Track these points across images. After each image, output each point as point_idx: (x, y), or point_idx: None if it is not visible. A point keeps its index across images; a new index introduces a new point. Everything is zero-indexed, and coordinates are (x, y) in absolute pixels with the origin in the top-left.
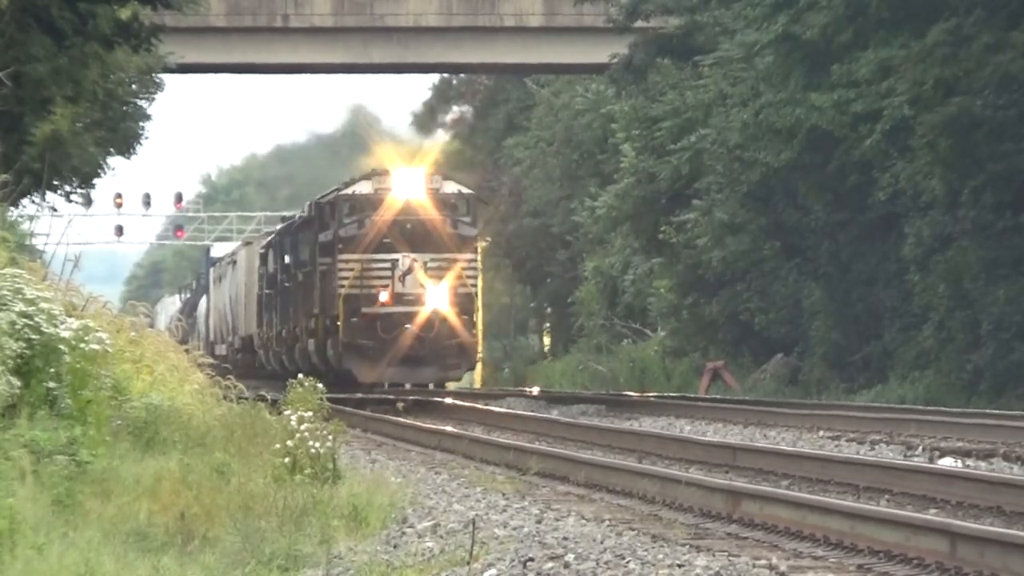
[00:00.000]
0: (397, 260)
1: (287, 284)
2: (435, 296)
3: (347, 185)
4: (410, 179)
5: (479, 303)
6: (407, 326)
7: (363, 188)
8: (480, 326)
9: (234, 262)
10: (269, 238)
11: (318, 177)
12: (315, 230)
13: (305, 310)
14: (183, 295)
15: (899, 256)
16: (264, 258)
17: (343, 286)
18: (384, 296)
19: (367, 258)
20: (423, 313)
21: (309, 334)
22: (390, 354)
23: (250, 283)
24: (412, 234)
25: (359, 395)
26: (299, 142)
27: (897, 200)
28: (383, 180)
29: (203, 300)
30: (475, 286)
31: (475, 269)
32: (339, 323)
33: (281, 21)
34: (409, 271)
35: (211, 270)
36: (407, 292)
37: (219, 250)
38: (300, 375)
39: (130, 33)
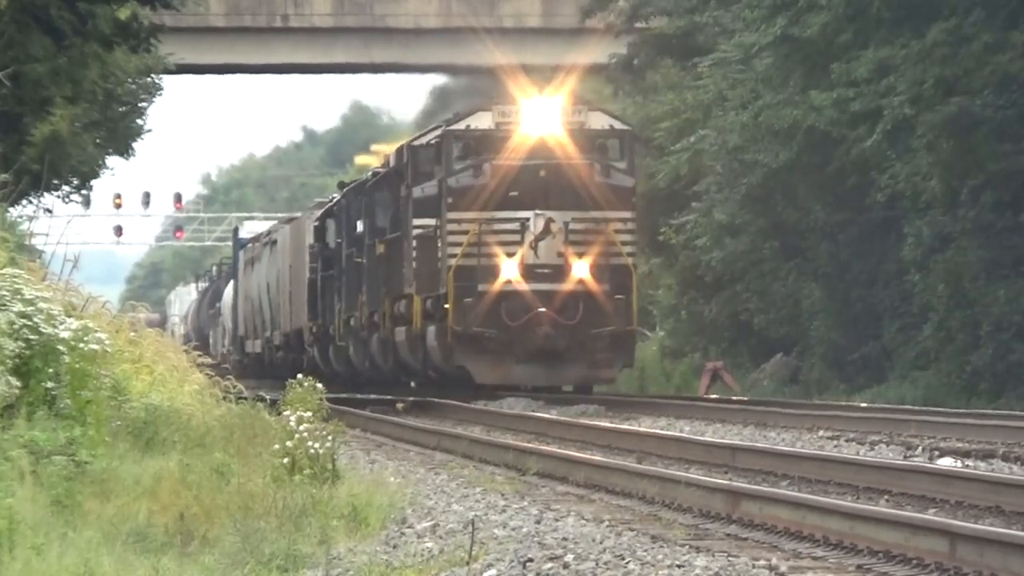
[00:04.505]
0: (528, 220)
1: (358, 259)
2: (580, 269)
3: (455, 120)
4: (545, 110)
5: (636, 279)
6: (542, 309)
7: (481, 122)
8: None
9: (273, 242)
10: (328, 206)
11: (315, 178)
12: (407, 183)
13: (390, 291)
14: (200, 284)
15: (899, 256)
16: (320, 232)
17: (454, 255)
18: (511, 269)
19: (487, 217)
20: (564, 292)
21: (396, 321)
22: (519, 347)
23: (297, 265)
24: (548, 184)
25: (358, 396)
26: (297, 142)
27: (896, 200)
28: (507, 112)
29: (229, 288)
30: (632, 255)
31: (632, 232)
32: (447, 306)
33: (281, 21)
34: (545, 235)
35: (240, 253)
36: (542, 263)
37: (251, 228)
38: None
39: (129, 33)
